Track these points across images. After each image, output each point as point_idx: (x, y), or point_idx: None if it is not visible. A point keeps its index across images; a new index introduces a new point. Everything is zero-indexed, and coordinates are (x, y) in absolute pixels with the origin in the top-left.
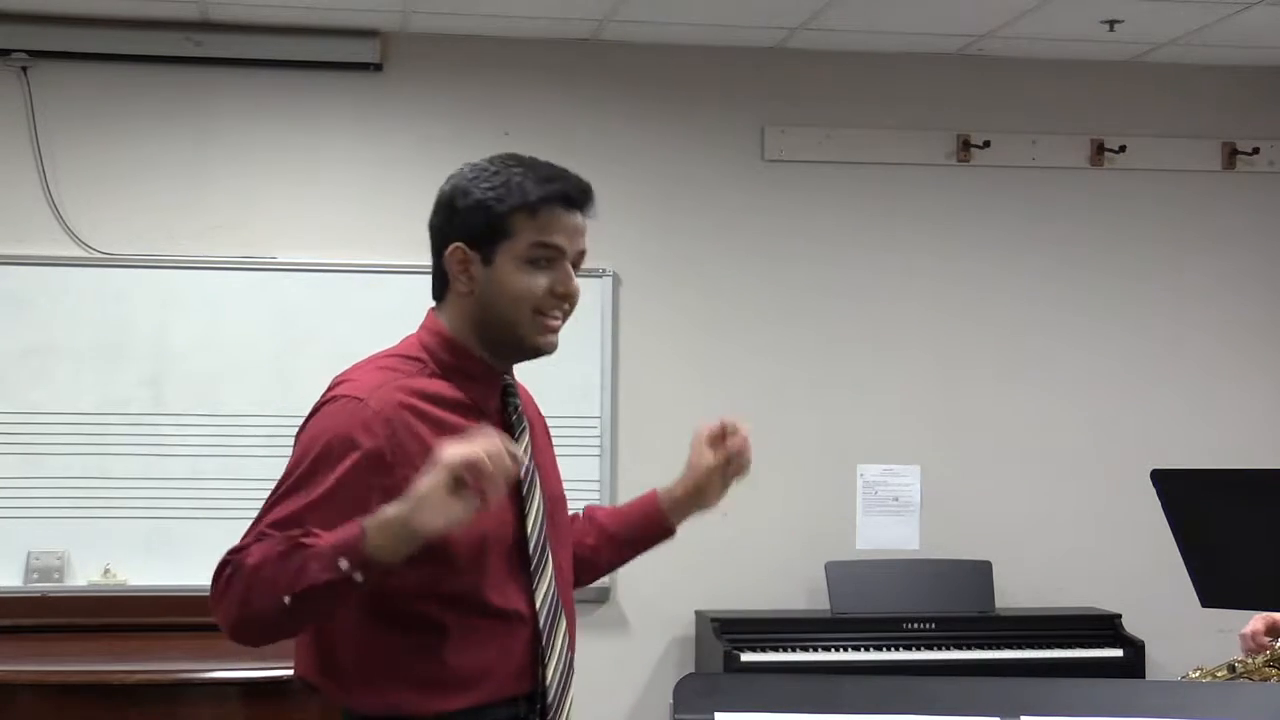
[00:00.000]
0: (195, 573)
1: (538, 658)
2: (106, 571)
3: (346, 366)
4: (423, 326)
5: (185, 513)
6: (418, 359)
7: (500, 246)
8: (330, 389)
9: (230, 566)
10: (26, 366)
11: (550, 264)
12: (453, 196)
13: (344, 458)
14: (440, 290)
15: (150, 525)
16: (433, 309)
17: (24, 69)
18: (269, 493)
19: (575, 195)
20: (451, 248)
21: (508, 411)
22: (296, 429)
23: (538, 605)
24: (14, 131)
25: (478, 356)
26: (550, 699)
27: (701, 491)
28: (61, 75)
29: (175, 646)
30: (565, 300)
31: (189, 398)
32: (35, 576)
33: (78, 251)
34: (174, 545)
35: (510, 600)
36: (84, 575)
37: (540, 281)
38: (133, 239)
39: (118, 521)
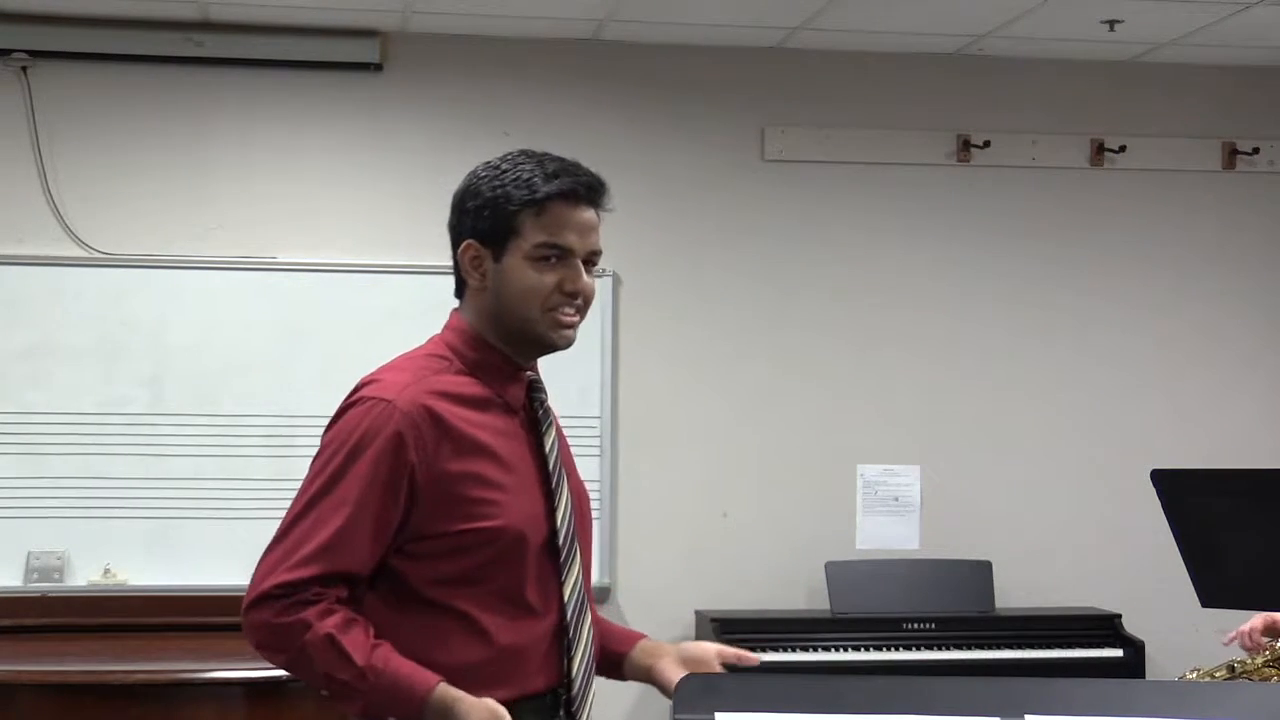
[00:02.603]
0: (195, 573)
1: (564, 650)
2: (106, 571)
3: (345, 366)
4: (446, 326)
5: (185, 513)
6: (443, 357)
7: (509, 244)
8: (357, 390)
9: (295, 623)
10: (26, 366)
11: (560, 261)
12: (464, 196)
13: (375, 459)
14: (460, 287)
15: (150, 525)
16: (455, 308)
17: (24, 69)
18: (301, 486)
19: (582, 191)
20: (464, 245)
21: (533, 406)
22: (296, 428)
23: (565, 598)
24: (14, 131)
25: (500, 351)
26: (575, 690)
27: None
28: (61, 75)
29: (175, 646)
30: (575, 297)
31: (189, 398)
32: (35, 576)
33: (78, 251)
34: (174, 545)
35: (541, 593)
36: (84, 575)
37: (549, 279)
38: (133, 239)
39: (118, 521)
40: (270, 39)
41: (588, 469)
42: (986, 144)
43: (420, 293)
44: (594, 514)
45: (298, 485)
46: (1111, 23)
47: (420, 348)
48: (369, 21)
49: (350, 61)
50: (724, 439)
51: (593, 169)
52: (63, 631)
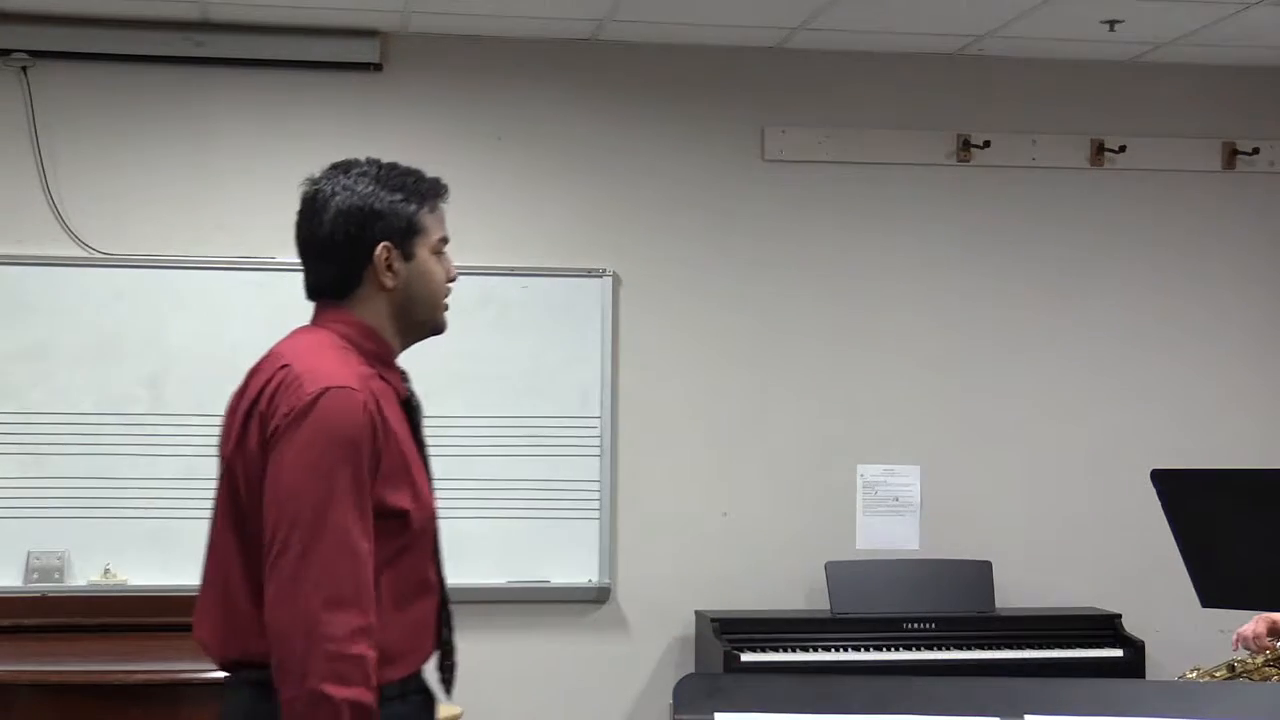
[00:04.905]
0: (195, 573)
1: (444, 620)
2: (106, 571)
3: None
4: (336, 320)
5: (185, 513)
6: (345, 349)
7: (416, 242)
8: (310, 380)
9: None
10: (26, 366)
11: (442, 254)
12: (364, 203)
13: (358, 452)
14: (348, 289)
15: (150, 525)
16: (340, 305)
17: (24, 69)
18: (295, 485)
19: (446, 189)
20: (380, 247)
21: (412, 394)
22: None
23: (441, 571)
24: (14, 131)
25: (389, 344)
26: (453, 659)
27: None
28: (61, 75)
29: (175, 646)
30: (452, 282)
31: (188, 398)
32: (35, 576)
33: (78, 251)
34: (174, 545)
35: (436, 570)
36: (84, 575)
37: (442, 270)
38: (133, 239)
39: (118, 521)
40: (270, 39)
41: (588, 469)
42: (986, 144)
43: None
44: (594, 514)
45: None
46: (1111, 23)
47: (318, 339)
48: (369, 21)
49: (350, 61)
50: (724, 439)
51: (592, 169)
52: (62, 631)
